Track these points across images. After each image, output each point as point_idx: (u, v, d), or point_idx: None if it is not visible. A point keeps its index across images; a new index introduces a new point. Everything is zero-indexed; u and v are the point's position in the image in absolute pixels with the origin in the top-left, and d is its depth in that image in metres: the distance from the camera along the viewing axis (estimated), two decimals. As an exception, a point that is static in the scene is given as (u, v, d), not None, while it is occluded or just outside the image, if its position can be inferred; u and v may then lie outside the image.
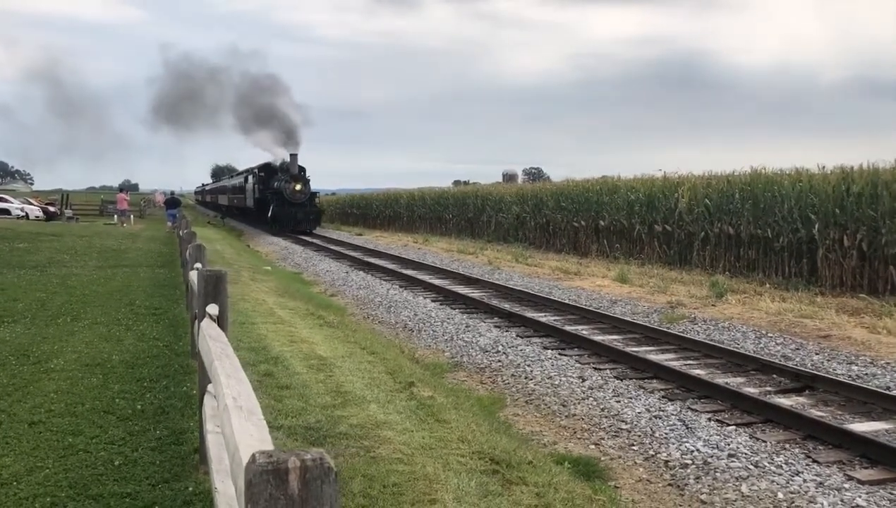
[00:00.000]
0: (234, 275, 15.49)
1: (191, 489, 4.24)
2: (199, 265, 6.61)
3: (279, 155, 43.44)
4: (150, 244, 24.43)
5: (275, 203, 38.26)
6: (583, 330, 11.47)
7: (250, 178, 45.94)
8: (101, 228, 33.46)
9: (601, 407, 7.65)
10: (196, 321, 4.84)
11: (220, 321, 4.24)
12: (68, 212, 45.29)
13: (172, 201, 38.42)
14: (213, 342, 3.65)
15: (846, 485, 5.54)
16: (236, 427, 2.26)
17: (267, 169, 42.60)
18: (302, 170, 40.62)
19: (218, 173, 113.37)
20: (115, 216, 39.78)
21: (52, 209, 45.41)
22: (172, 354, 7.66)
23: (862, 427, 6.83)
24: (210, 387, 4.05)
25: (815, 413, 7.29)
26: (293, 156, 40.39)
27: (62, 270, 15.38)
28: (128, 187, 75.62)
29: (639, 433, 6.87)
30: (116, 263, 17.31)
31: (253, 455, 1.44)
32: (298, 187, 38.64)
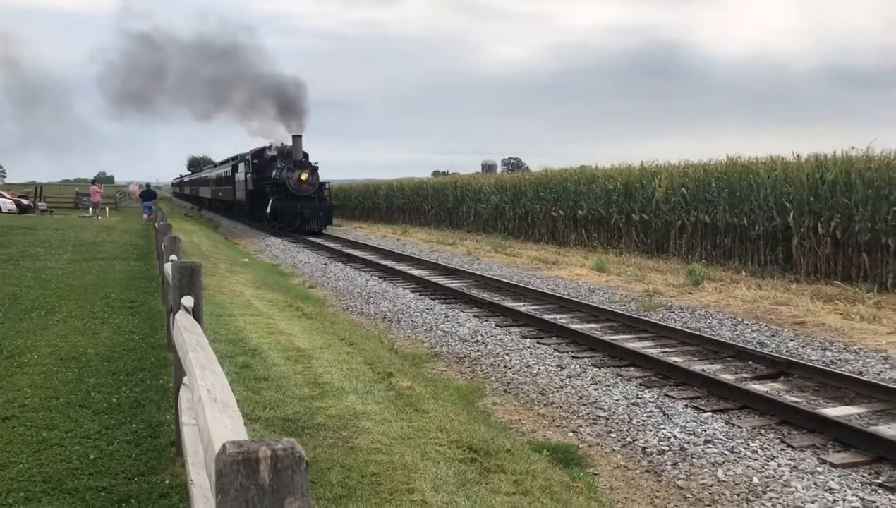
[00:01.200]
0: (211, 267, 15.39)
1: (167, 481, 4.21)
2: (174, 257, 6.55)
3: (278, 137, 37.24)
4: (126, 236, 24.18)
5: (275, 196, 32.18)
6: (561, 318, 11.52)
7: (241, 167, 38.94)
8: (75, 221, 33.08)
9: (579, 394, 7.70)
10: (171, 313, 4.80)
11: (195, 313, 4.21)
12: (42, 205, 44.68)
13: (148, 193, 37.82)
14: (187, 333, 3.62)
15: (819, 469, 5.62)
16: (210, 419, 2.24)
17: (261, 156, 36.34)
18: (305, 155, 34.57)
19: (195, 164, 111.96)
20: (90, 208, 39.23)
21: (25, 202, 44.77)
22: (148, 347, 7.60)
23: (835, 411, 6.93)
24: (186, 379, 4.02)
25: (790, 398, 7.38)
26: (297, 140, 33.50)
27: (36, 264, 15.18)
28: (102, 179, 74.64)
29: (616, 420, 6.92)
30: (92, 256, 17.12)
31: (223, 445, 1.43)
32: (305, 176, 32.01)
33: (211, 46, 45.60)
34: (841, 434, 6.21)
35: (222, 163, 51.46)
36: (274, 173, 33.67)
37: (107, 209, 41.13)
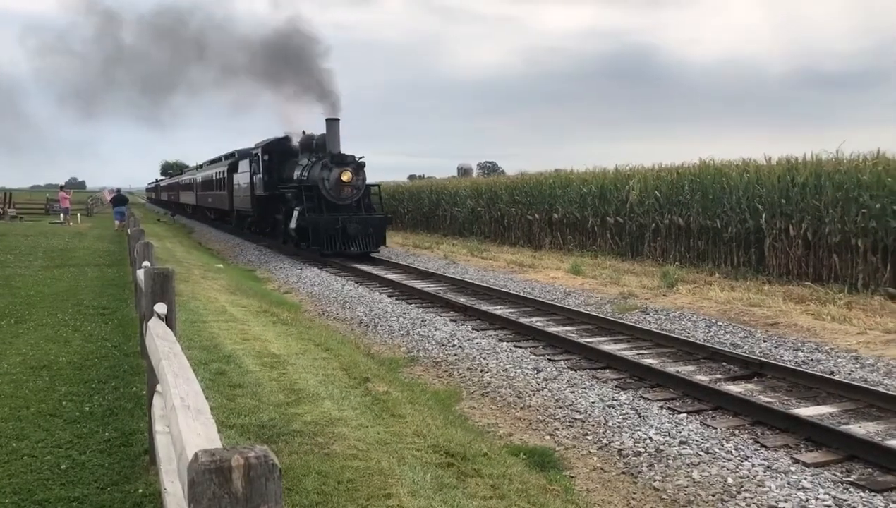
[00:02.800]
0: (185, 273, 15.25)
1: (140, 490, 4.16)
2: (146, 263, 6.48)
3: (297, 127, 26.22)
4: (98, 243, 23.89)
5: (303, 204, 21.87)
6: (537, 321, 11.55)
7: (244, 166, 28.95)
8: (46, 227, 32.62)
9: (556, 397, 7.72)
10: (144, 320, 4.75)
11: (169, 319, 4.17)
12: (12, 211, 43.98)
13: (119, 198, 37.32)
14: (160, 341, 3.59)
15: (793, 468, 5.68)
16: (183, 426, 2.22)
17: (277, 149, 25.96)
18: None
19: (168, 169, 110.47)
20: (61, 215, 38.70)
21: (-6, 208, 44.05)
22: (121, 354, 7.51)
23: (807, 411, 7.01)
24: (159, 387, 3.98)
25: (764, 399, 7.46)
26: (333, 125, 22.68)
27: (6, 271, 14.95)
28: (73, 185, 73.44)
29: (593, 422, 6.95)
30: (63, 263, 16.90)
31: (195, 454, 1.42)
32: (348, 176, 21.85)
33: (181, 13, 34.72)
34: (813, 434, 6.28)
35: (212, 162, 41.29)
36: (298, 173, 23.52)
37: (78, 215, 40.61)
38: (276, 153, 25.88)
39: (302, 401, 6.00)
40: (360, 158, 22.55)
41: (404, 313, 12.76)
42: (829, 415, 6.95)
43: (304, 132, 25.37)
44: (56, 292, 12.05)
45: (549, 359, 9.20)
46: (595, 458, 6.20)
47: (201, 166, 47.25)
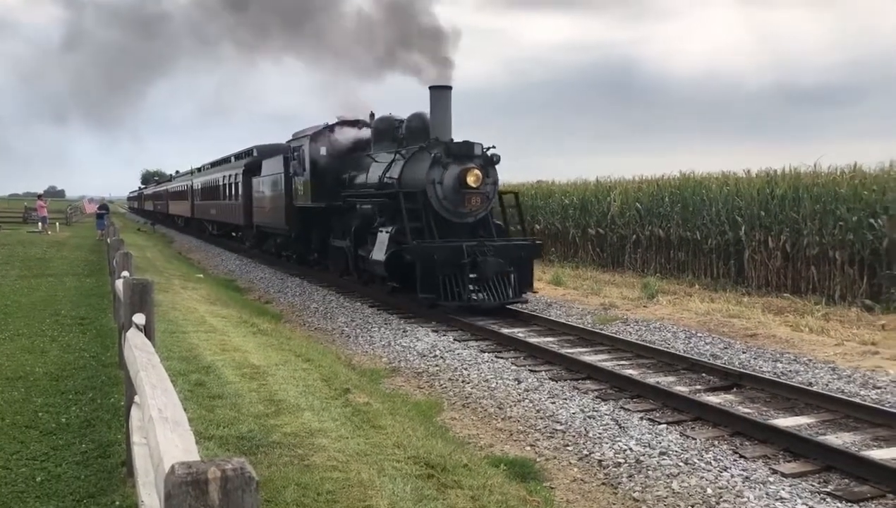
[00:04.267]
0: (165, 283, 15.14)
1: (118, 503, 4.12)
2: (126, 273, 6.44)
3: (354, 108, 18.75)
4: (77, 252, 23.67)
5: (397, 222, 13.66)
6: (518, 332, 11.57)
7: (272, 166, 21.37)
8: (24, 236, 32.26)
9: (537, 408, 7.73)
10: (123, 331, 4.72)
11: (147, 330, 4.14)
12: (-11, 220, 43.50)
13: (101, 206, 37.21)
14: (138, 352, 3.56)
15: (771, 479, 5.72)
16: (161, 438, 2.21)
17: (340, 138, 18.29)
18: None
19: (149, 178, 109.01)
20: (39, 223, 38.31)
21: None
22: (99, 365, 7.44)
23: (786, 422, 7.07)
24: (137, 398, 3.95)
25: (743, 410, 7.51)
26: (441, 98, 14.23)
27: (-18, 280, 14.77)
28: (52, 194, 72.48)
29: (573, 433, 6.96)
30: (41, 272, 16.72)
31: (172, 466, 1.41)
32: (475, 178, 13.52)
33: None
34: (792, 444, 6.33)
35: (217, 164, 34.06)
36: (375, 173, 15.51)
37: (57, 224, 40.21)
38: (336, 145, 17.80)
39: (282, 412, 5.97)
40: (488, 149, 13.79)
41: (386, 323, 12.73)
42: (808, 426, 7.01)
43: (371, 114, 17.38)
44: (33, 302, 11.92)
45: (531, 370, 9.22)
46: (575, 469, 6.21)
47: (199, 170, 39.98)
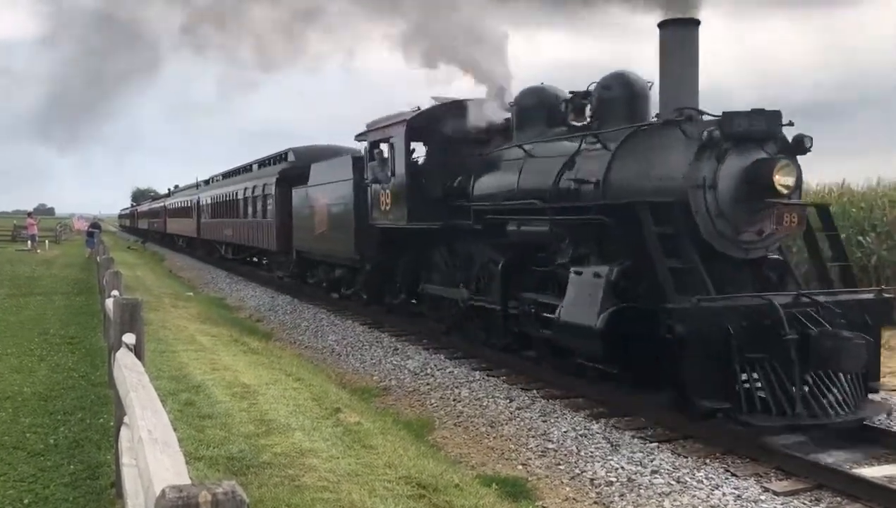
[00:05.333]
0: (156, 302, 15.08)
1: (106, 525, 4.08)
2: (115, 292, 6.42)
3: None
4: (66, 270, 23.56)
5: (656, 251, 7.07)
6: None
7: (332, 171, 16.07)
8: (13, 254, 32.09)
9: (528, 427, 7.71)
10: (113, 350, 4.70)
11: (137, 350, 4.12)
12: (-23, 238, 43.28)
13: (93, 225, 37.15)
14: (128, 372, 3.55)
15: (763, 497, 5.72)
16: (151, 459, 2.20)
17: (456, 127, 11.66)
18: None
19: (139, 196, 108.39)
20: (28, 242, 38.12)
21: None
22: (89, 385, 7.39)
23: (777, 440, 7.05)
24: (126, 419, 3.93)
25: (736, 428, 7.48)
26: (683, 34, 7.98)
27: (-30, 299, 14.68)
28: (41, 211, 71.92)
29: (565, 452, 6.95)
30: (29, 291, 16.63)
31: (163, 490, 1.41)
32: (786, 179, 7.19)
33: None
34: (783, 463, 6.33)
35: (235, 173, 28.92)
36: (529, 172, 9.83)
37: (46, 242, 40.03)
38: (449, 135, 11.82)
39: (272, 432, 5.94)
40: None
41: (377, 341, 12.70)
42: (798, 444, 6.99)
43: (500, 89, 11.54)
44: (21, 321, 11.85)
45: (523, 388, 9.19)
46: (567, 488, 6.20)
47: (207, 182, 35.10)
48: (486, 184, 10.77)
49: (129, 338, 4.14)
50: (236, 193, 25.86)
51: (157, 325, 11.19)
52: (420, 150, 12.83)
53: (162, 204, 50.03)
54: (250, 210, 23.68)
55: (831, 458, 6.51)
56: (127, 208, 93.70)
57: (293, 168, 19.89)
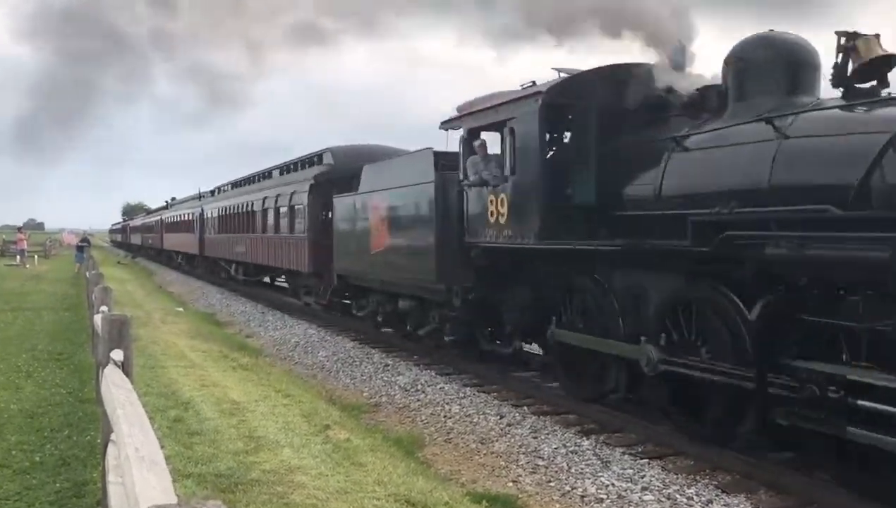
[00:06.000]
0: (145, 317, 15.02)
1: (92, 544, 4.04)
2: (104, 308, 6.39)
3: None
4: (56, 286, 23.45)
5: None
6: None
7: (405, 171, 11.90)
8: (1, 269, 31.90)
9: (519, 443, 7.69)
10: (100, 367, 4.67)
11: (125, 367, 4.10)
12: (-35, 253, 43.05)
13: (82, 240, 37.08)
14: (116, 388, 3.53)
15: (753, 514, 5.70)
16: (137, 478, 2.19)
17: (613, 89, 8.48)
18: None
19: (130, 211, 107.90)
20: (17, 256, 37.92)
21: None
22: (76, 401, 7.34)
23: (770, 455, 7.05)
24: (113, 436, 3.90)
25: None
26: None
27: (-43, 315, 14.58)
28: (31, 226, 71.53)
29: (556, 468, 6.93)
30: (17, 306, 16.52)
31: (148, 510, 1.40)
32: None
33: None
34: (774, 479, 6.32)
35: (249, 181, 25.64)
36: (786, 158, 6.27)
37: (35, 257, 39.84)
38: (614, 110, 8.57)
39: (261, 449, 5.91)
40: None
41: (367, 357, 12.66)
42: (790, 459, 7.00)
43: (680, 45, 8.21)
44: (8, 336, 11.77)
45: (513, 405, 9.17)
46: (558, 505, 6.17)
47: (213, 193, 31.41)
48: (694, 181, 7.28)
49: (117, 355, 4.12)
50: (251, 204, 22.62)
51: (146, 341, 11.14)
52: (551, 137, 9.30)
53: (158, 217, 45.98)
54: (271, 223, 20.49)
55: (826, 476, 6.52)
56: (118, 223, 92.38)
57: (332, 171, 16.68)
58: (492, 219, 9.52)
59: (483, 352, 11.08)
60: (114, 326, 4.26)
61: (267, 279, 23.88)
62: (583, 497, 6.25)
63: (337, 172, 16.29)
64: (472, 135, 10.17)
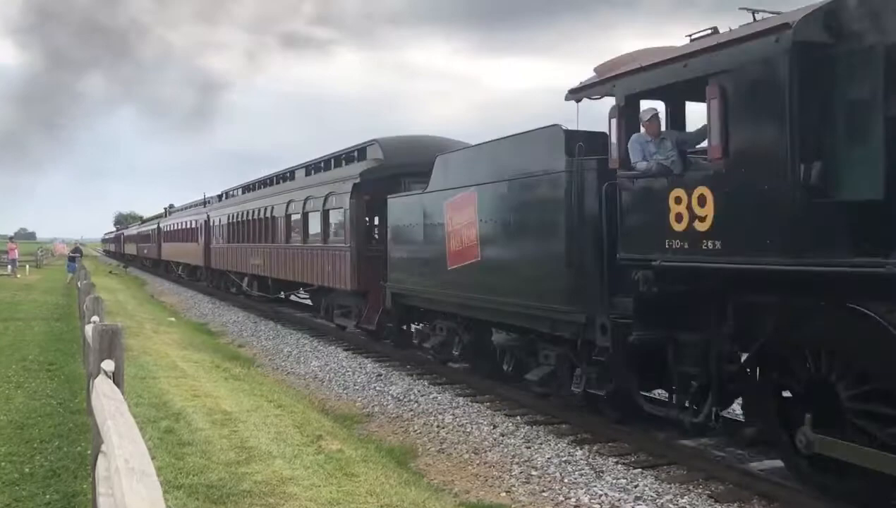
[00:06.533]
0: (137, 327, 14.96)
1: (81, 557, 4.01)
2: (95, 318, 6.36)
3: None
4: (47, 296, 23.34)
5: None
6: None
7: (534, 153, 8.59)
8: (-8, 279, 31.77)
9: (512, 453, 7.67)
10: (91, 377, 4.65)
11: (116, 377, 4.08)
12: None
13: (74, 250, 36.94)
14: (106, 399, 3.51)
15: (746, 524, 5.68)
16: (127, 490, 2.18)
17: None
18: None
19: (122, 221, 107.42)
20: (8, 266, 37.75)
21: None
22: (67, 412, 7.29)
23: (762, 465, 7.05)
24: (104, 447, 3.88)
25: (718, 454, 7.49)
26: None
27: (-53, 325, 14.49)
28: (22, 236, 71.19)
29: (549, 478, 6.91)
30: (8, 316, 16.43)
31: (136, 523, 1.38)
32: None
33: None
34: (768, 490, 6.32)
35: (265, 184, 22.86)
36: None
37: (27, 267, 39.67)
38: None
39: (253, 460, 5.88)
40: None
41: (360, 367, 12.63)
42: (782, 468, 7.00)
43: None
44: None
45: (506, 415, 9.16)
46: (551, 515, 6.15)
47: (221, 197, 28.80)
48: None
49: (107, 365, 4.10)
50: (270, 210, 19.85)
51: (137, 351, 11.09)
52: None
53: (155, 225, 43.13)
54: (298, 231, 17.72)
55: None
56: (111, 232, 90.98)
57: (381, 168, 13.85)
58: (677, 226, 6.49)
59: (638, 413, 7.72)
60: (104, 336, 4.23)
61: (281, 294, 21.40)
62: (576, 506, 6.24)
63: (387, 168, 13.65)
64: (632, 104, 7.33)
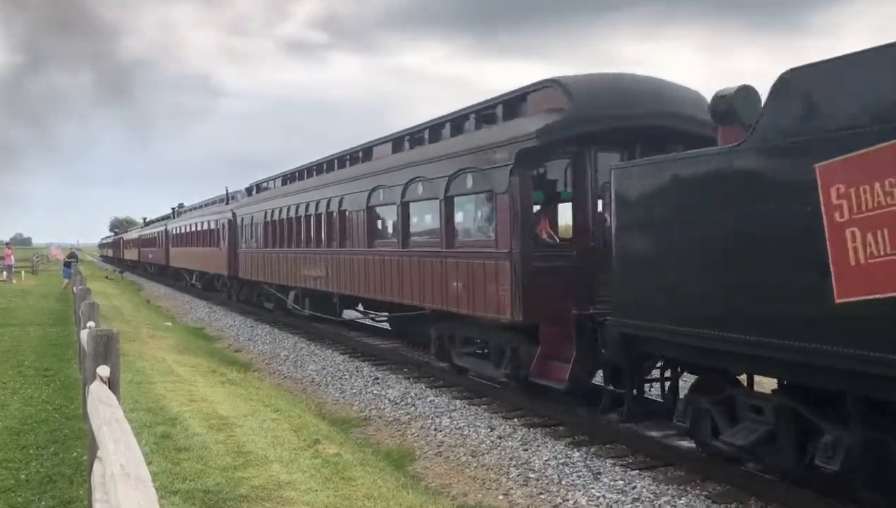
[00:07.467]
0: (133, 332, 14.93)
1: (78, 563, 3.99)
2: (91, 323, 6.34)
3: None
4: (43, 301, 23.27)
5: None
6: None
7: None
8: (-12, 285, 31.68)
9: (510, 456, 7.66)
10: (86, 383, 4.64)
11: (112, 383, 4.06)
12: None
13: (70, 255, 36.87)
14: (102, 405, 3.50)
15: (744, 525, 5.68)
16: (123, 495, 2.17)
17: None
18: None
19: (118, 226, 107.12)
20: (4, 272, 37.64)
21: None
22: (63, 418, 7.27)
23: (758, 466, 7.05)
24: (99, 453, 3.87)
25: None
26: None
27: (-57, 331, 14.44)
28: (18, 241, 71.03)
29: (546, 481, 6.90)
30: (4, 322, 16.38)
31: (130, 529, 1.38)
32: None
33: None
34: (764, 490, 6.32)
35: (315, 171, 17.53)
36: None
37: (23, 272, 39.56)
38: None
39: (249, 465, 5.86)
40: None
41: (357, 371, 12.61)
42: (780, 468, 7.00)
43: None
44: (-5, 353, 11.66)
45: (504, 417, 9.15)
46: (549, 518, 6.15)
47: (252, 191, 23.41)
48: None
49: (103, 370, 4.08)
50: (338, 202, 14.68)
51: (133, 356, 11.06)
52: None
53: (162, 227, 38.34)
54: (393, 231, 12.64)
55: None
56: (109, 236, 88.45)
57: (569, 122, 8.66)
58: None
59: None
60: (100, 342, 4.22)
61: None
62: (574, 509, 6.23)
63: (580, 123, 8.70)
64: None
